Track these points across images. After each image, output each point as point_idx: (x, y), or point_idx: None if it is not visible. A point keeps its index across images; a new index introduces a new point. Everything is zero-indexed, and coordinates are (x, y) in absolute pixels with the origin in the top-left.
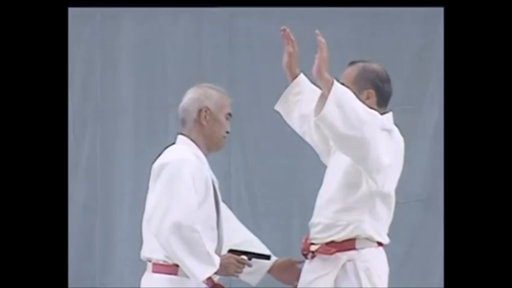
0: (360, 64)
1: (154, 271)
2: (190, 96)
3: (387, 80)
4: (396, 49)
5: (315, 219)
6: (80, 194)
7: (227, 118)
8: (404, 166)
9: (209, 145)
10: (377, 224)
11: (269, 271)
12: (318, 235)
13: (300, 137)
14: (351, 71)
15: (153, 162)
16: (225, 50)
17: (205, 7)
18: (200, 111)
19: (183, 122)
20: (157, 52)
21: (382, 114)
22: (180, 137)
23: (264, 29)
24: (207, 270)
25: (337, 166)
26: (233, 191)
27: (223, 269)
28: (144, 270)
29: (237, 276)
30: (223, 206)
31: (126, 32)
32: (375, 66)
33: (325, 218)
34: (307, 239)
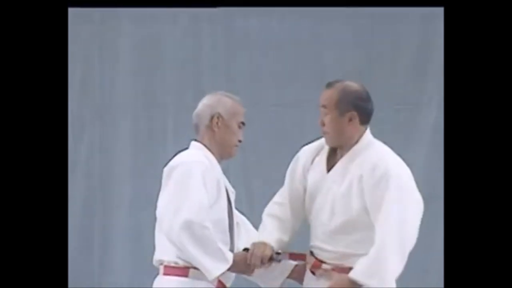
0: (340, 86)
1: (165, 274)
2: (204, 103)
3: (367, 99)
4: (395, 49)
5: (325, 245)
6: (79, 194)
7: (239, 127)
8: None
9: (221, 152)
10: None
11: (290, 276)
12: (333, 261)
13: (300, 137)
14: (331, 94)
15: (154, 163)
16: (223, 50)
17: (204, 8)
18: (212, 117)
19: (196, 128)
20: (155, 52)
21: (364, 130)
22: (193, 143)
23: (262, 29)
24: (220, 267)
25: (349, 196)
26: None
27: (236, 266)
28: (143, 269)
29: (249, 275)
30: (239, 215)
31: (125, 32)
32: (354, 86)
33: (343, 247)
34: (301, 256)
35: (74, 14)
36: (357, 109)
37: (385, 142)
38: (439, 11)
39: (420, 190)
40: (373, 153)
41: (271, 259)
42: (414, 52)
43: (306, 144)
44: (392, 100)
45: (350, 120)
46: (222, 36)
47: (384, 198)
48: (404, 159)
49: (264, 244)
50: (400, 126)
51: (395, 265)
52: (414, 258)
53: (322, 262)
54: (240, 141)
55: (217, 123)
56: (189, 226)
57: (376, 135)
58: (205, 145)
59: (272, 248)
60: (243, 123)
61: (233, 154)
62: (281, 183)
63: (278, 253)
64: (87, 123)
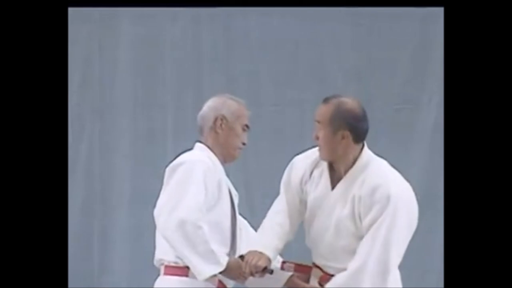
0: (335, 103)
1: (165, 274)
2: (209, 105)
3: (362, 118)
4: (395, 48)
5: (331, 263)
6: (79, 194)
7: (243, 130)
8: (402, 165)
9: (224, 154)
10: None
11: (285, 285)
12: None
13: (300, 137)
14: (326, 111)
15: (154, 163)
16: (223, 49)
17: (203, 7)
18: (216, 119)
19: (201, 129)
20: (155, 52)
21: (361, 149)
22: (197, 144)
23: (262, 28)
24: (211, 268)
25: (352, 217)
26: None
27: (229, 272)
28: (143, 269)
29: (242, 282)
30: (241, 219)
31: (124, 31)
32: (349, 104)
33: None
34: (307, 268)
35: (74, 14)
36: (350, 129)
37: (385, 142)
38: (439, 11)
39: (420, 190)
40: (373, 174)
41: (265, 269)
42: (414, 52)
43: (306, 144)
44: (392, 100)
45: (343, 138)
46: (222, 36)
47: (377, 218)
48: (404, 159)
49: (260, 253)
50: (400, 126)
51: (372, 285)
52: (414, 258)
53: (332, 275)
54: (244, 143)
55: (220, 125)
56: (182, 226)
57: (376, 135)
58: (208, 147)
59: (267, 258)
60: (247, 126)
61: (236, 156)
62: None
63: (284, 262)
64: (86, 123)
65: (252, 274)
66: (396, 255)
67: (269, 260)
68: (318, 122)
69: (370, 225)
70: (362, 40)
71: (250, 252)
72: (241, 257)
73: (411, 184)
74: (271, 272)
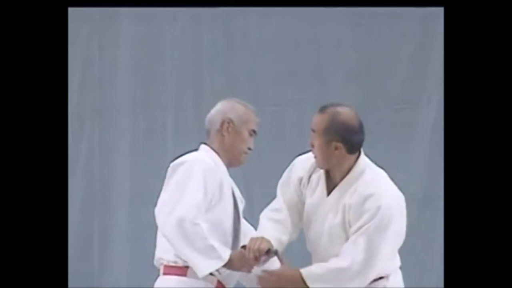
0: (331, 113)
1: (164, 273)
2: (217, 108)
3: (356, 130)
4: (395, 48)
5: None
6: (79, 194)
7: (250, 135)
8: (402, 165)
9: (229, 158)
10: (396, 254)
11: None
12: None
13: (300, 137)
14: (321, 120)
15: (153, 163)
16: (223, 49)
17: (203, 7)
18: (223, 122)
19: (207, 132)
20: (155, 52)
21: (356, 159)
22: (202, 146)
23: (262, 28)
24: (211, 264)
25: (343, 226)
26: None
27: (232, 263)
28: (143, 269)
29: (249, 272)
30: (246, 224)
31: (124, 31)
32: (344, 116)
33: None
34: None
35: (74, 14)
36: (343, 141)
37: (385, 142)
38: (439, 11)
39: (420, 190)
40: (366, 183)
41: (268, 252)
42: (414, 52)
43: (306, 144)
44: (391, 100)
45: (336, 149)
46: (222, 36)
47: (365, 225)
48: (404, 159)
49: (261, 238)
50: (400, 126)
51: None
52: (414, 258)
53: None
54: (250, 148)
55: (227, 128)
56: (180, 224)
57: (376, 135)
58: (214, 150)
59: (269, 241)
60: (254, 131)
61: (241, 161)
62: None
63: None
64: (86, 123)
65: (256, 259)
66: (380, 263)
67: (271, 244)
68: (313, 131)
69: (358, 229)
70: (362, 40)
71: (251, 239)
72: (243, 247)
73: (411, 184)
74: (276, 252)
